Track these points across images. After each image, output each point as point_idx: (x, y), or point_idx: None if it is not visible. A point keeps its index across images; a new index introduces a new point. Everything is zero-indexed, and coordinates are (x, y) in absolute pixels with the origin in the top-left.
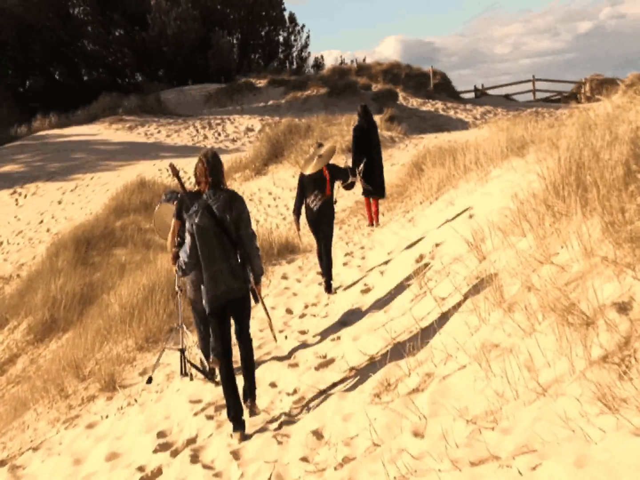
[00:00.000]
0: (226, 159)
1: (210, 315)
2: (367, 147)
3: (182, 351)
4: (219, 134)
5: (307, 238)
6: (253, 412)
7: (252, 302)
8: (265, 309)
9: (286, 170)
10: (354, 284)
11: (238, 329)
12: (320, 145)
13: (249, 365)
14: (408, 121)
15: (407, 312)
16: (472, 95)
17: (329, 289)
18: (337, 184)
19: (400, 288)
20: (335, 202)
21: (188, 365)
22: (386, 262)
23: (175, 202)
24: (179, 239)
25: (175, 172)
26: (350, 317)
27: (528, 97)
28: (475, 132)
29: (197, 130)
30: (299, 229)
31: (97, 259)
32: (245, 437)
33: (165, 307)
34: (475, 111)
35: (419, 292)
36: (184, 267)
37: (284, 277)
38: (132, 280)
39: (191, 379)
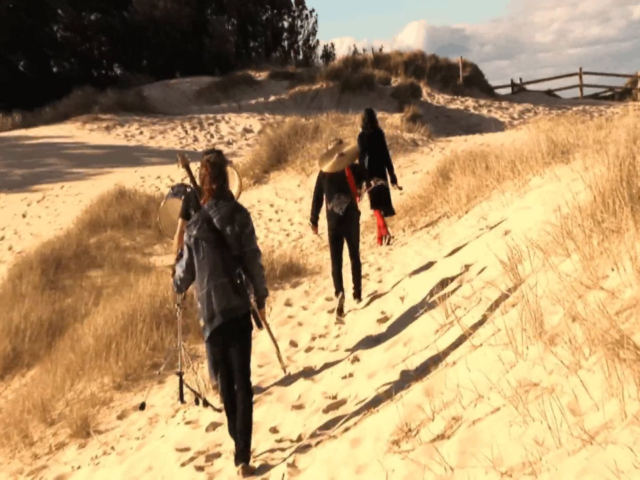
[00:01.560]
0: None
1: (210, 341)
2: (372, 158)
3: (181, 375)
4: (212, 136)
5: (314, 258)
6: (248, 473)
7: (254, 329)
8: (271, 334)
9: (290, 179)
10: (369, 311)
11: (236, 362)
12: (340, 142)
13: (246, 419)
14: (433, 121)
15: (431, 345)
16: (508, 90)
17: (358, 296)
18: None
19: (423, 317)
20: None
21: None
22: (407, 287)
23: (182, 198)
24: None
25: (186, 164)
26: (365, 351)
27: (574, 93)
28: (512, 134)
29: (185, 131)
30: (316, 231)
31: (68, 282)
32: (250, 471)
33: (148, 338)
34: (512, 109)
35: (445, 322)
36: (179, 282)
37: (288, 304)
38: (109, 307)
39: (197, 403)
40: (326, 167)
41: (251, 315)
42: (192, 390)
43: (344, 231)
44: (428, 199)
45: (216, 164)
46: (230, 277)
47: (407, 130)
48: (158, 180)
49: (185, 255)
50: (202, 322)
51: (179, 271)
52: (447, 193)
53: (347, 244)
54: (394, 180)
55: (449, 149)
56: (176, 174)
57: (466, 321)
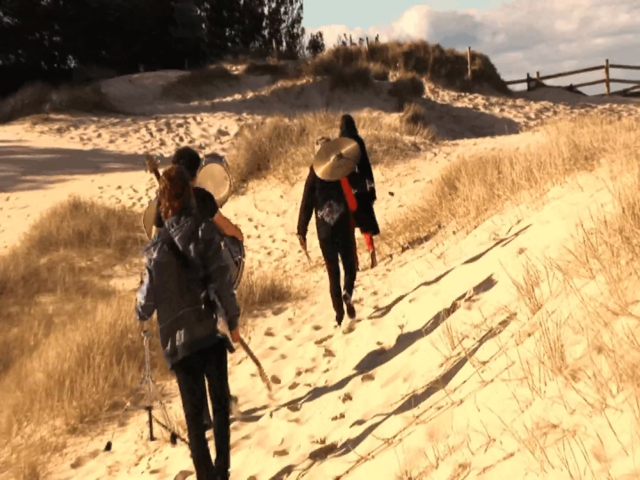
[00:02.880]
0: None
1: (175, 373)
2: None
3: (150, 409)
4: (181, 139)
5: (300, 280)
6: None
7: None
8: (249, 351)
9: (272, 189)
10: (363, 341)
11: (210, 394)
12: (326, 140)
13: (224, 442)
14: (437, 122)
15: (435, 381)
16: (524, 87)
17: (349, 290)
18: None
19: (425, 348)
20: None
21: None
22: (407, 313)
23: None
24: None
25: (154, 167)
26: (359, 388)
27: (600, 90)
28: (528, 137)
29: (151, 134)
30: (305, 247)
31: (14, 308)
32: None
33: (108, 374)
34: (528, 108)
35: (451, 354)
36: (140, 310)
37: (269, 334)
38: (62, 339)
39: (173, 442)
40: (324, 174)
41: (222, 343)
42: (163, 426)
43: (335, 245)
44: (431, 212)
45: (178, 178)
46: (196, 304)
47: (407, 133)
48: (119, 190)
49: (146, 280)
50: (164, 355)
51: (140, 298)
52: (453, 205)
53: (340, 256)
54: (372, 195)
55: (455, 154)
56: (140, 182)
57: (475, 353)
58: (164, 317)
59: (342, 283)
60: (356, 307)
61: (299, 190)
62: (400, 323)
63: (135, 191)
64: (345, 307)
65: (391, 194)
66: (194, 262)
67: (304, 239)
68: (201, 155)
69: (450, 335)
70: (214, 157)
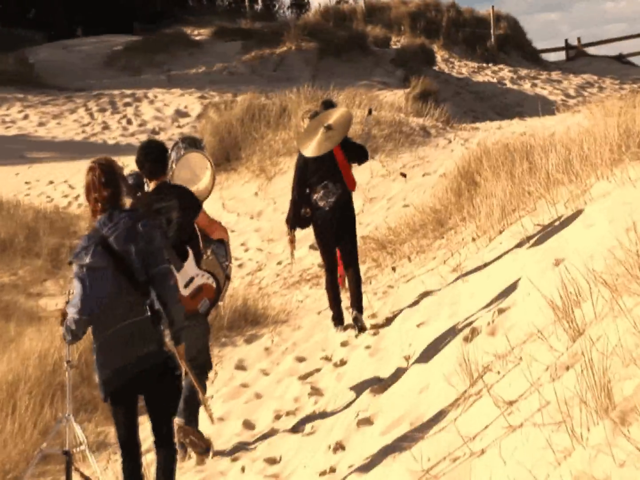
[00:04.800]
0: None
1: (111, 403)
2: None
3: (69, 455)
4: (130, 121)
5: (279, 299)
6: None
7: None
8: (192, 374)
9: (244, 184)
10: (359, 376)
11: (153, 425)
12: (314, 114)
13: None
14: (453, 100)
15: (450, 425)
16: (561, 56)
17: (359, 310)
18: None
19: (437, 384)
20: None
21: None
22: (414, 341)
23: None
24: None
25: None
26: (354, 435)
27: None
28: (567, 119)
29: (91, 115)
30: (294, 247)
31: None
32: None
33: (37, 418)
34: (566, 83)
35: (469, 392)
36: (73, 327)
37: (241, 367)
38: None
39: None
40: (310, 150)
41: (168, 363)
42: (85, 477)
43: (332, 233)
44: (445, 214)
45: (104, 167)
46: (136, 317)
47: (415, 114)
48: (51, 186)
49: (78, 291)
50: (97, 380)
51: (72, 313)
52: (472, 205)
53: (339, 250)
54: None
55: (475, 140)
56: (78, 176)
57: (500, 390)
58: (99, 334)
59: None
60: (348, 334)
61: (278, 185)
62: (405, 353)
63: (72, 187)
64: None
65: (403, 175)
66: (134, 265)
67: (293, 234)
68: (171, 146)
69: (469, 368)
70: (190, 143)
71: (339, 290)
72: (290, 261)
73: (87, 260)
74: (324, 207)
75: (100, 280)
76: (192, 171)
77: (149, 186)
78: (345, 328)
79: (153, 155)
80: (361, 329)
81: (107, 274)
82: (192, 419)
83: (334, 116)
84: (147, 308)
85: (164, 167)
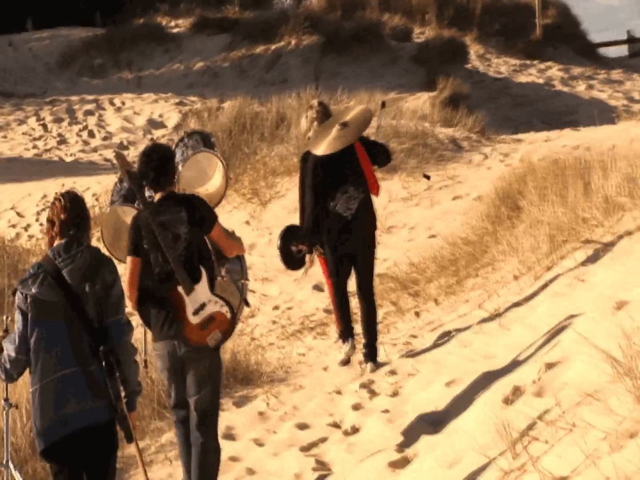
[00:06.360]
0: (105, 190)
1: (50, 463)
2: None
3: None
4: (92, 134)
5: (276, 352)
6: None
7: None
8: (138, 451)
9: (232, 210)
10: (375, 446)
11: None
12: (324, 108)
13: None
14: (489, 105)
15: None
16: (623, 51)
17: (371, 356)
18: None
19: (472, 458)
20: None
21: None
22: (443, 404)
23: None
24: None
25: (126, 168)
26: None
27: None
28: (630, 129)
29: (44, 127)
30: (311, 263)
31: None
32: None
33: None
34: (630, 84)
35: (511, 467)
36: (8, 366)
37: (229, 436)
38: None
39: None
40: (321, 148)
41: (115, 426)
42: None
43: (351, 245)
44: (481, 246)
45: (73, 195)
46: (84, 364)
47: (443, 123)
48: None
49: (19, 324)
50: (34, 432)
51: (9, 350)
52: (514, 235)
53: (353, 269)
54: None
55: (517, 155)
56: (28, 202)
57: (548, 464)
58: (39, 377)
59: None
60: (361, 395)
61: (274, 212)
62: (432, 419)
63: (20, 215)
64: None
65: (426, 176)
66: (87, 307)
67: (312, 247)
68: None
69: (510, 436)
70: (198, 139)
71: (347, 297)
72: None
73: (34, 290)
74: (345, 214)
75: (45, 316)
76: (201, 172)
77: (155, 197)
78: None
79: (158, 163)
80: (371, 355)
81: (55, 309)
82: None
83: (351, 113)
84: (101, 356)
85: (170, 176)
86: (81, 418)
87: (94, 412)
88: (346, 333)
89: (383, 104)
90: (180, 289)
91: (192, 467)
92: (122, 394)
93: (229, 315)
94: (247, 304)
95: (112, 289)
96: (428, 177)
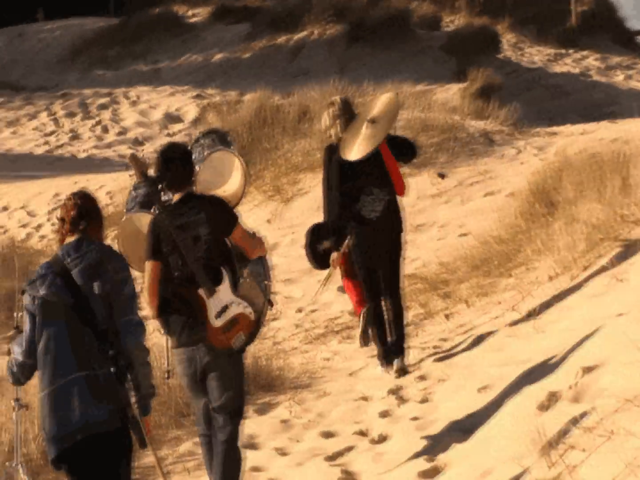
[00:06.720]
0: (120, 187)
1: (60, 472)
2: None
3: None
4: (106, 129)
5: (299, 357)
6: None
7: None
8: (157, 458)
9: (254, 209)
10: (405, 455)
11: None
12: (345, 104)
13: None
14: (523, 97)
15: None
16: None
17: (399, 355)
18: None
19: (505, 466)
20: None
21: None
22: (474, 411)
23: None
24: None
25: (142, 170)
26: None
27: None
28: None
29: (56, 121)
30: (336, 264)
31: None
32: None
33: None
34: None
35: (546, 477)
36: (15, 370)
37: (251, 445)
38: None
39: None
40: (353, 153)
41: (128, 430)
42: None
43: (378, 247)
44: (514, 245)
45: (85, 194)
46: (92, 368)
47: (474, 116)
48: (4, 214)
49: (27, 327)
50: (44, 438)
51: (17, 353)
52: (549, 233)
53: (380, 272)
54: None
55: (552, 149)
56: (39, 201)
57: (586, 473)
58: (46, 383)
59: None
60: (389, 401)
61: (297, 210)
62: (463, 426)
63: (31, 215)
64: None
65: (441, 175)
66: (95, 307)
67: (339, 245)
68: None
69: (546, 444)
70: (215, 139)
71: (382, 311)
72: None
73: (42, 292)
74: (371, 217)
75: (51, 318)
76: (218, 172)
77: (173, 199)
78: (398, 372)
79: (176, 163)
80: (402, 370)
81: (61, 312)
82: None
83: (377, 106)
84: (110, 360)
85: (188, 177)
86: (89, 425)
87: (101, 418)
88: (386, 359)
89: (442, 176)
90: (201, 292)
91: (214, 468)
92: (133, 399)
93: (252, 316)
94: (271, 305)
95: (122, 288)
96: (443, 176)
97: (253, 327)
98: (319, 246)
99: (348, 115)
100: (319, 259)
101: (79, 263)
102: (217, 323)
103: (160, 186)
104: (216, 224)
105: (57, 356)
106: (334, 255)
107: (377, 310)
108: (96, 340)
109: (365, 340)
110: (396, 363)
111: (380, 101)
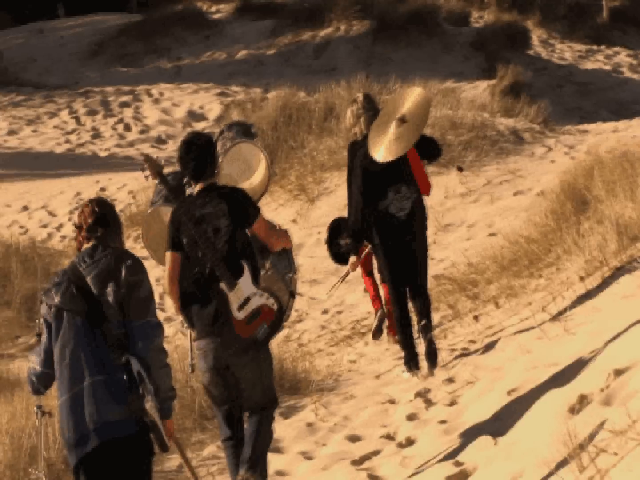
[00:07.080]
0: (142, 186)
1: (76, 475)
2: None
3: None
4: (128, 127)
5: (325, 359)
6: None
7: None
8: (185, 458)
9: (278, 208)
10: (431, 460)
11: None
12: (368, 101)
13: None
14: (553, 94)
15: None
16: None
17: (427, 327)
18: None
19: (535, 470)
20: None
21: None
22: (505, 415)
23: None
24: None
25: (158, 172)
26: None
27: None
28: None
29: (77, 120)
30: (354, 269)
31: None
32: None
33: None
34: None
35: None
36: (34, 379)
37: (275, 449)
38: None
39: None
40: (381, 153)
41: (147, 435)
42: None
43: (405, 246)
44: (544, 245)
45: (102, 200)
46: (107, 373)
47: (503, 113)
48: (24, 213)
49: (44, 337)
50: (64, 445)
51: (35, 362)
52: (580, 233)
53: (407, 272)
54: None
55: (582, 147)
56: (60, 200)
57: (618, 478)
58: (64, 390)
59: None
60: (416, 404)
61: (322, 210)
62: (492, 430)
63: (52, 214)
64: (424, 345)
65: (460, 168)
66: (110, 311)
67: (360, 245)
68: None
69: (576, 448)
70: (239, 131)
71: (408, 313)
72: (344, 275)
73: (57, 300)
74: (400, 215)
75: (67, 326)
76: (245, 164)
77: (194, 189)
78: (425, 377)
79: (198, 153)
80: (429, 349)
81: (77, 320)
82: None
83: (406, 103)
84: (123, 365)
85: (212, 167)
86: (105, 430)
87: (118, 423)
88: (412, 364)
89: (460, 169)
90: (222, 285)
91: (246, 441)
92: (149, 403)
93: (275, 307)
94: (293, 296)
95: (137, 290)
96: (462, 169)
97: (275, 318)
98: (340, 241)
99: (372, 111)
100: (338, 255)
101: (93, 269)
102: (240, 316)
103: (185, 180)
104: (237, 216)
105: (73, 363)
106: (353, 259)
107: (403, 313)
108: (110, 345)
109: (376, 335)
110: (427, 323)
111: (409, 97)
